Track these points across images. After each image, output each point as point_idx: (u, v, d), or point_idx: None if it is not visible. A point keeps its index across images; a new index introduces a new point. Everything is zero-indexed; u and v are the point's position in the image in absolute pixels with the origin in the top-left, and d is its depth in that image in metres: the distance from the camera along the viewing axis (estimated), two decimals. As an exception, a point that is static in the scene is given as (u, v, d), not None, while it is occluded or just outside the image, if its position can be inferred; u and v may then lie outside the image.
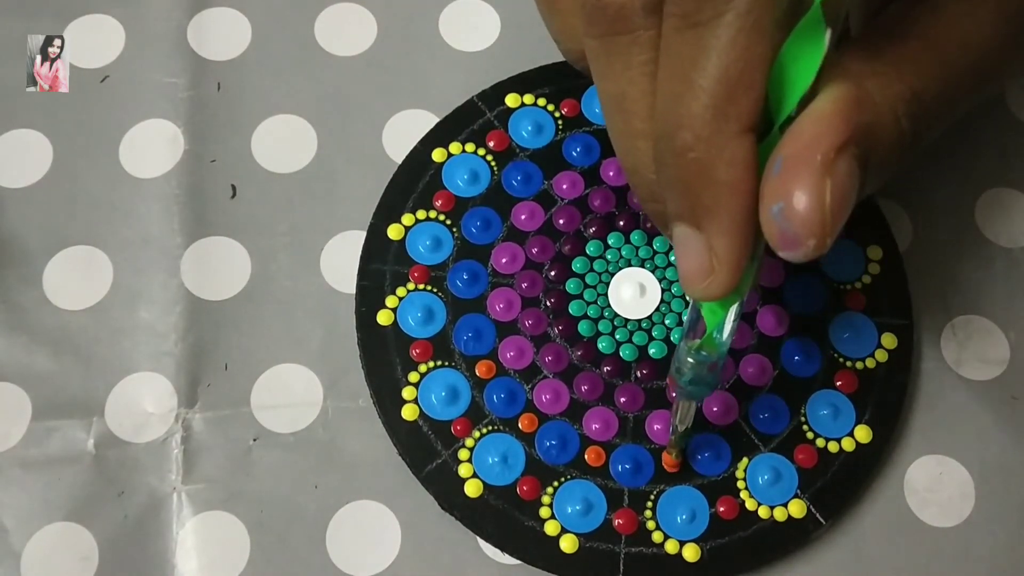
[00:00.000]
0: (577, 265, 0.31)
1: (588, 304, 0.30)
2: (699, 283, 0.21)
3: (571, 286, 0.30)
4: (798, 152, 0.19)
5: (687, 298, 0.29)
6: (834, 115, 0.19)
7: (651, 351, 0.30)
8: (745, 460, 0.29)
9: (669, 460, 0.28)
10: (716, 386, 0.25)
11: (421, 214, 0.31)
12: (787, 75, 0.19)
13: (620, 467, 0.28)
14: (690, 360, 0.24)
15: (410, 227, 0.31)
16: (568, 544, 0.27)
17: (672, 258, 0.31)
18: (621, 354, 0.30)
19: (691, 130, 0.19)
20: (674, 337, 0.30)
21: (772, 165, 0.19)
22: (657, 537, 0.28)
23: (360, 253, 0.31)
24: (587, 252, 0.31)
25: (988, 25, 0.21)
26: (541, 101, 0.33)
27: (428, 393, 0.29)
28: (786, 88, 0.19)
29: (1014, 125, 0.34)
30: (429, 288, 0.30)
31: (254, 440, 0.29)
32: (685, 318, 0.24)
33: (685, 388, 0.24)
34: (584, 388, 0.29)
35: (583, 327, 0.30)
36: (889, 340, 0.30)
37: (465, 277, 0.30)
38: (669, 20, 0.20)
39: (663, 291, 0.30)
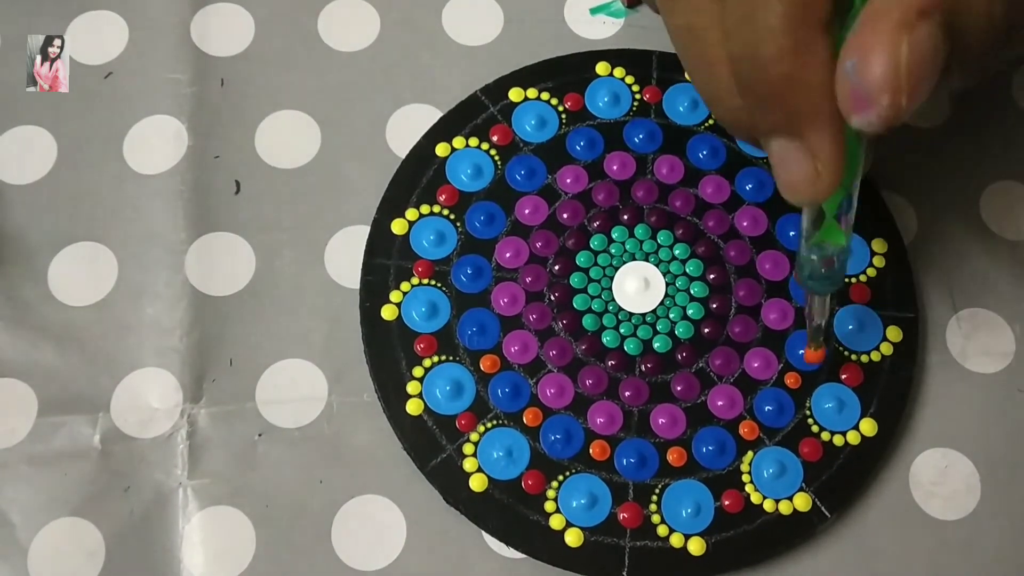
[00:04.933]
0: (581, 259, 0.31)
1: (592, 298, 0.30)
2: (807, 190, 0.21)
3: (575, 280, 0.30)
4: (877, 10, 0.19)
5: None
6: None
7: (655, 345, 0.30)
8: (750, 454, 0.29)
9: (812, 354, 0.28)
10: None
11: (425, 209, 0.31)
12: None
13: (625, 461, 0.28)
14: (813, 258, 0.24)
15: (414, 222, 0.31)
16: (573, 538, 0.27)
17: (676, 252, 0.31)
18: (625, 348, 0.30)
19: (773, 43, 0.20)
20: (679, 331, 0.30)
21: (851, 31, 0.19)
22: (662, 531, 0.28)
23: (364, 248, 0.31)
24: (591, 246, 0.31)
25: None
26: (544, 95, 0.33)
27: (432, 388, 0.29)
28: None
29: (1020, 118, 0.34)
30: (433, 283, 0.30)
31: (259, 435, 0.29)
32: (802, 223, 0.24)
33: (805, 283, 0.25)
34: (588, 382, 0.29)
35: (587, 321, 0.30)
36: (894, 333, 0.30)
37: (469, 272, 0.30)
38: None
39: (667, 285, 0.30)
